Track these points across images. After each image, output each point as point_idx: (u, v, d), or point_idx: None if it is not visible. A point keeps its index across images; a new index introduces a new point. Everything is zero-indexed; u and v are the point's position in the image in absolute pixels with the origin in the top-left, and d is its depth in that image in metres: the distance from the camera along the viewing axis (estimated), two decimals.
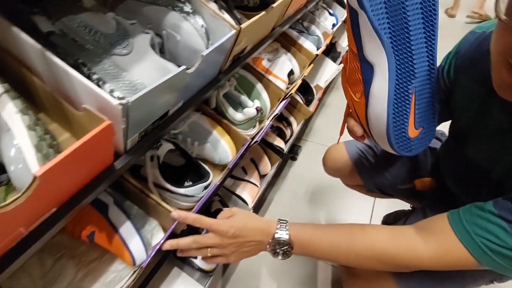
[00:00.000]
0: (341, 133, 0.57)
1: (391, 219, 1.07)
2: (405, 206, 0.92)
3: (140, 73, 0.42)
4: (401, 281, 0.56)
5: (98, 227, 0.53)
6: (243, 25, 0.53)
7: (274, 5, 0.63)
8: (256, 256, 0.49)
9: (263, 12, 0.59)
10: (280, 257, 0.47)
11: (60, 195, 0.34)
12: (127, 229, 0.52)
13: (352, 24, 0.36)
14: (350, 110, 0.47)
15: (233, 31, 0.51)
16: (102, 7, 0.50)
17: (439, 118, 0.51)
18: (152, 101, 0.39)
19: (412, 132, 0.38)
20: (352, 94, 0.41)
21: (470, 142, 0.52)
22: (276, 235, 0.45)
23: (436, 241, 0.41)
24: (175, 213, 0.48)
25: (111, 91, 0.39)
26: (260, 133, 0.79)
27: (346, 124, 0.50)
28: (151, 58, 0.44)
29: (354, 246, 0.45)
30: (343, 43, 1.67)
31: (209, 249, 0.47)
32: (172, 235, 0.62)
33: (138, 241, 0.52)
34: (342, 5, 1.45)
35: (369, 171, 0.80)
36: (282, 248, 0.46)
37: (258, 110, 0.71)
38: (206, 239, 0.47)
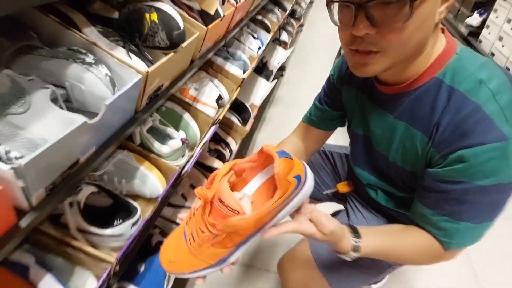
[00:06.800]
0: None
1: None
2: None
3: (41, 129, 0.43)
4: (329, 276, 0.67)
5: None
6: (150, 69, 0.57)
7: (183, 44, 0.67)
8: None
9: (172, 54, 0.63)
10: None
11: None
12: (47, 286, 0.50)
13: None
14: None
15: (139, 77, 0.54)
16: None
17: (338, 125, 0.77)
18: (53, 157, 0.40)
19: None
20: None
21: (371, 137, 0.64)
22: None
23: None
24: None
25: (6, 152, 0.39)
26: (190, 162, 0.82)
27: None
28: (52, 113, 0.45)
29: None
30: (274, 62, 1.80)
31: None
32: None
33: None
34: (266, 29, 1.57)
35: None
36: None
37: (183, 141, 0.75)
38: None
